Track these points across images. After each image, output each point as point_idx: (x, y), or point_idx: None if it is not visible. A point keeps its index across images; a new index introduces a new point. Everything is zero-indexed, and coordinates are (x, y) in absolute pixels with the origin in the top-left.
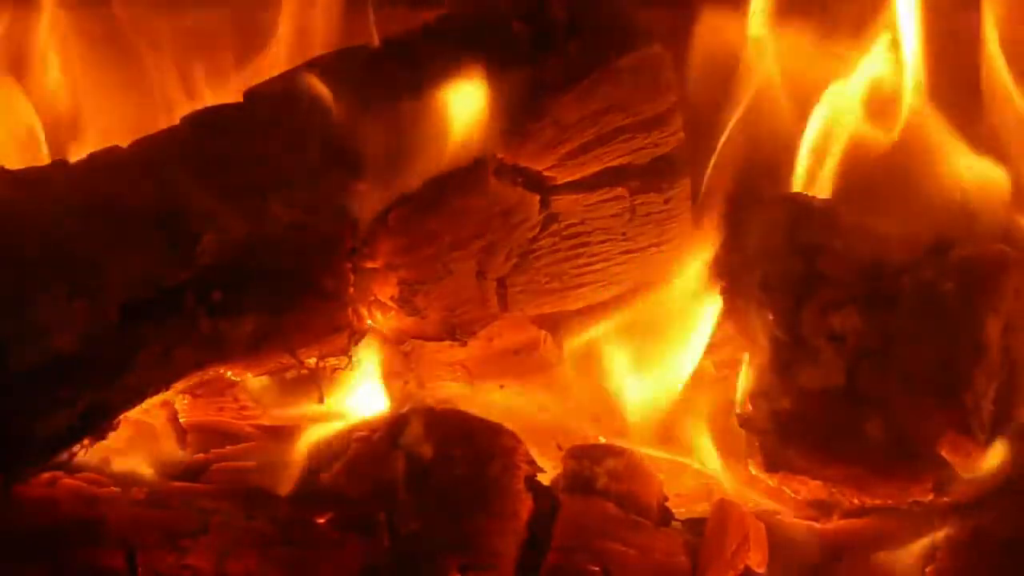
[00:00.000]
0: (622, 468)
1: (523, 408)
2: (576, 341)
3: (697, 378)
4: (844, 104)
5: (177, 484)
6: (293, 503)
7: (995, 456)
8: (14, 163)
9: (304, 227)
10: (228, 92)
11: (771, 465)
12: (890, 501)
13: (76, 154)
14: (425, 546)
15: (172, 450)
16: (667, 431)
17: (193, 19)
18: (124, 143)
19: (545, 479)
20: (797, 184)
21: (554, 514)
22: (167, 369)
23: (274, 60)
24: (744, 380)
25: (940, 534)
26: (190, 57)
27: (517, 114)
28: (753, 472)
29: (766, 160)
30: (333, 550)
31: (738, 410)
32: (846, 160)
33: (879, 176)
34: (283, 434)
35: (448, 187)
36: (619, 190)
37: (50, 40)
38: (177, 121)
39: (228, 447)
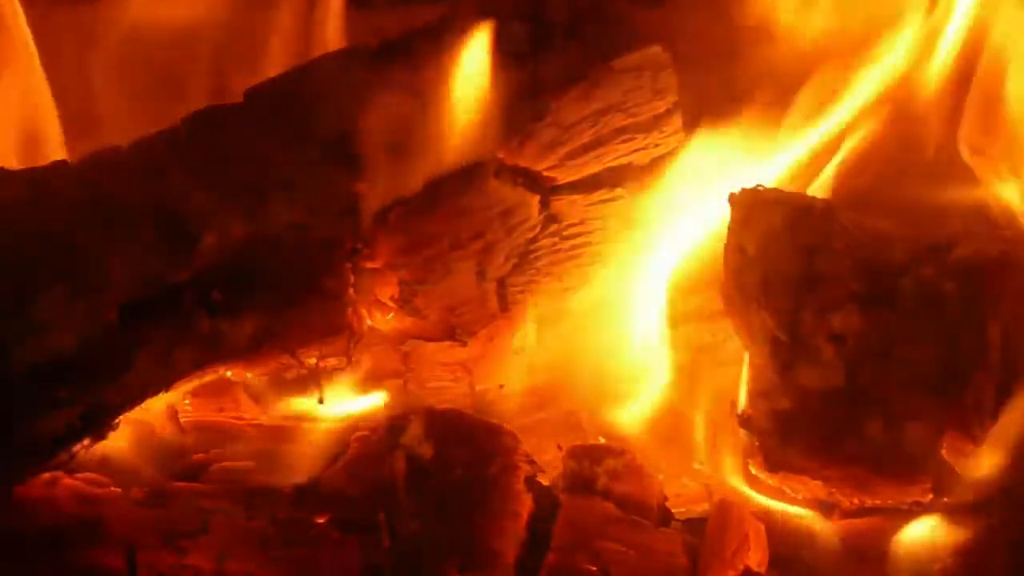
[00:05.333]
0: (622, 468)
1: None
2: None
3: (697, 378)
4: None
5: (177, 484)
6: (293, 503)
7: (995, 457)
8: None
9: (304, 227)
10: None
11: (771, 465)
12: (890, 501)
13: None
14: (425, 546)
15: (172, 450)
16: (667, 431)
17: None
18: None
19: (545, 479)
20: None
21: (554, 514)
22: (167, 369)
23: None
24: (744, 380)
25: (940, 534)
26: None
27: (517, 114)
28: (753, 472)
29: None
30: (333, 550)
31: (738, 410)
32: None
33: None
34: (283, 434)
35: (448, 187)
36: (619, 190)
37: None
38: None
39: (228, 447)
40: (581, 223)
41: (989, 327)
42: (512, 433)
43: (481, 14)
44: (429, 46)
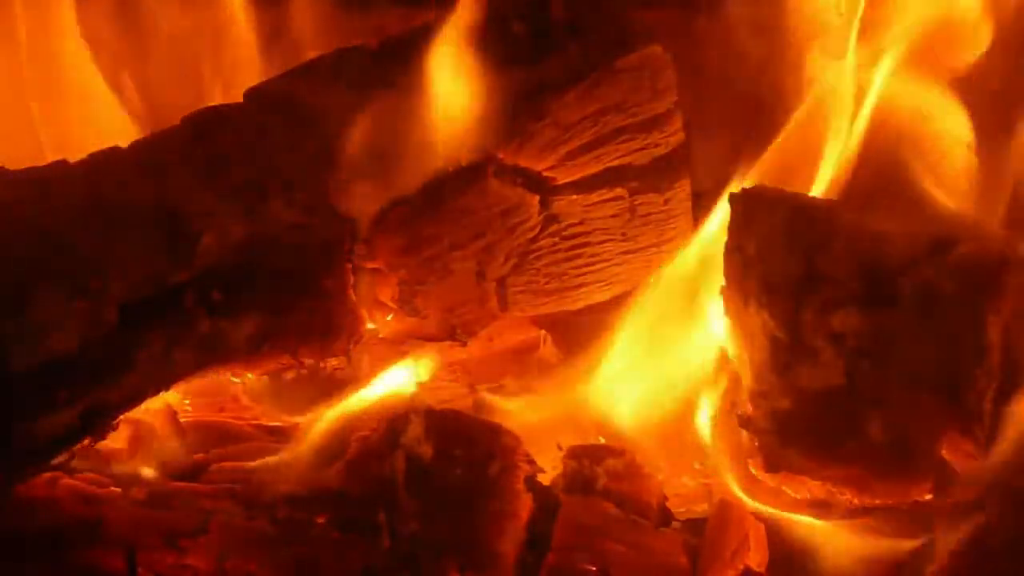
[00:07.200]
0: (622, 468)
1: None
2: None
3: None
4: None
5: (177, 484)
6: (293, 503)
7: (995, 456)
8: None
9: (304, 227)
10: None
11: (771, 465)
12: (890, 501)
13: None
14: (425, 546)
15: (172, 450)
16: (668, 431)
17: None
18: None
19: (545, 479)
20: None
21: (554, 514)
22: (167, 369)
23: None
24: (744, 380)
25: (940, 534)
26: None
27: (517, 114)
28: (753, 472)
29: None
30: (333, 550)
31: (738, 410)
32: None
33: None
34: (283, 434)
35: (448, 187)
36: (619, 190)
37: None
38: None
39: (228, 447)
40: (581, 223)
41: (989, 327)
42: (512, 433)
43: (481, 14)
44: (428, 46)
